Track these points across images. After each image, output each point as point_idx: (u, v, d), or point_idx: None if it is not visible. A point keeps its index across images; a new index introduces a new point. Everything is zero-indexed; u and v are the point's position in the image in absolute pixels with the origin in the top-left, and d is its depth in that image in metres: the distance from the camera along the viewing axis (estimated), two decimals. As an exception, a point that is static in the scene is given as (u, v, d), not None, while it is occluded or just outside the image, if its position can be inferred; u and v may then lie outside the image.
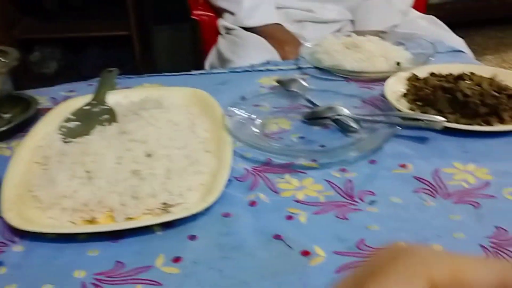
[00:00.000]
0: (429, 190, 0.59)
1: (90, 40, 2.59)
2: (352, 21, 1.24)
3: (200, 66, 2.43)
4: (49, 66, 2.56)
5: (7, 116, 0.80)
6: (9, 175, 0.61)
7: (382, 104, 0.77)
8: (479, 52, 2.97)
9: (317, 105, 0.78)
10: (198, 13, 1.32)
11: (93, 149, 0.64)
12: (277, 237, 0.53)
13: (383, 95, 0.78)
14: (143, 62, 2.58)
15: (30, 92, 0.88)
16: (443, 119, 0.67)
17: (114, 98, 0.82)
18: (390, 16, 1.18)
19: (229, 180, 0.62)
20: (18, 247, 0.53)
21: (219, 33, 1.29)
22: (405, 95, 0.81)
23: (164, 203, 0.58)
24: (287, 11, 1.25)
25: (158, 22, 2.53)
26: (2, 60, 0.77)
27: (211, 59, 1.27)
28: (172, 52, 2.55)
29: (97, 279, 0.49)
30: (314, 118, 0.75)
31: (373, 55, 0.93)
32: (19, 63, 0.78)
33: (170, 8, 2.41)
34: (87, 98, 0.82)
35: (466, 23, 3.20)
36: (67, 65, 2.62)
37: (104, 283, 0.48)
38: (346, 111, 0.73)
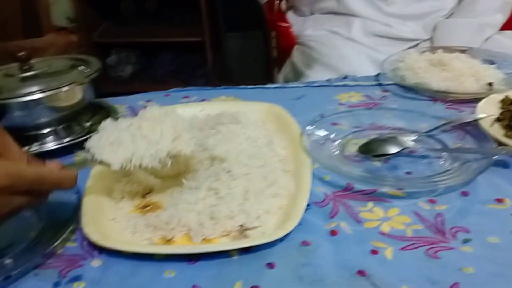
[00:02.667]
0: (531, 231, 0.54)
1: (163, 45, 2.65)
2: (428, 40, 1.18)
3: (271, 74, 2.42)
4: (124, 70, 2.64)
5: (87, 124, 0.81)
6: (90, 187, 0.62)
7: (474, 129, 0.71)
8: None
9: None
10: (274, 23, 1.30)
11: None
12: (361, 273, 0.50)
13: (474, 119, 0.73)
14: (214, 68, 2.61)
15: (109, 101, 0.90)
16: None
17: (190, 111, 0.81)
18: (476, 38, 1.11)
19: (308, 205, 0.59)
20: (97, 262, 0.53)
21: (294, 45, 1.27)
22: (498, 119, 0.75)
23: (241, 225, 0.56)
24: (366, 22, 1.21)
25: (230, 29, 2.55)
26: (84, 69, 0.79)
27: (285, 71, 1.25)
28: (243, 58, 2.56)
29: (173, 304, 0.48)
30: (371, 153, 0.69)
31: (461, 74, 0.87)
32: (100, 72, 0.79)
33: (242, 16, 2.43)
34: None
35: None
36: (141, 69, 2.70)
37: (180, 309, 0.47)
38: (411, 144, 0.68)
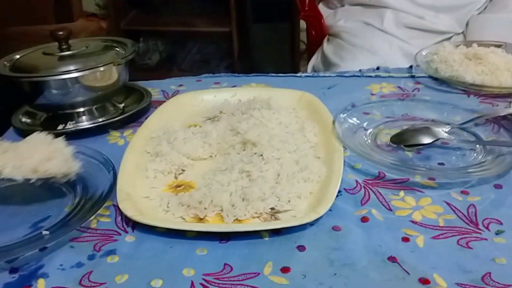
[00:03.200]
0: None
1: (191, 35, 2.66)
2: (461, 34, 1.17)
3: (297, 67, 2.41)
4: (151, 58, 2.67)
5: (121, 105, 0.83)
6: (124, 165, 0.63)
7: (508, 123, 0.70)
8: None
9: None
10: (306, 14, 1.30)
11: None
12: (392, 259, 0.50)
13: (510, 113, 0.72)
14: (240, 59, 2.62)
15: (142, 84, 0.91)
16: None
17: (222, 96, 0.82)
18: (509, 34, 1.09)
19: (339, 191, 0.60)
20: (130, 237, 0.54)
21: (325, 35, 1.27)
22: (534, 115, 0.73)
23: (272, 208, 0.56)
24: (398, 13, 1.20)
25: (258, 20, 2.54)
26: (121, 51, 0.80)
27: (314, 61, 1.25)
28: (269, 50, 2.56)
29: (205, 280, 0.48)
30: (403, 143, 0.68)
31: (497, 68, 0.86)
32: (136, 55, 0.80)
33: (270, 7, 2.42)
34: (198, 94, 0.83)
35: None
36: (168, 57, 2.72)
37: (212, 285, 0.48)
38: (444, 135, 0.68)
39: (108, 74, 0.76)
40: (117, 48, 0.81)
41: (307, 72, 1.28)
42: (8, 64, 0.75)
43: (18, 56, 0.77)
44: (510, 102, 0.76)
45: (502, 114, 0.72)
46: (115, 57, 0.77)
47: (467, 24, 1.21)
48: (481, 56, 0.88)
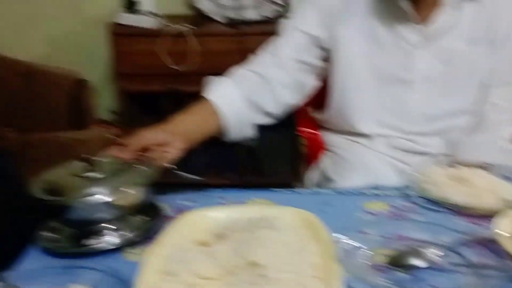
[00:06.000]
0: None
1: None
2: (450, 156, 1.21)
3: (298, 171, 2.46)
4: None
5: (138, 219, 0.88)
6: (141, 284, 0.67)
7: (494, 245, 0.76)
8: None
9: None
10: (304, 130, 1.39)
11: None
12: None
13: (494, 236, 0.78)
14: (245, 162, 2.67)
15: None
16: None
17: (224, 213, 0.87)
18: (493, 153, 1.15)
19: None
20: None
21: (322, 150, 1.33)
22: (517, 236, 0.79)
23: (276, 329, 0.60)
24: (388, 139, 1.25)
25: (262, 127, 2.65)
26: (143, 169, 0.88)
27: (312, 175, 1.32)
28: (273, 154, 2.63)
29: None
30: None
31: (481, 190, 0.93)
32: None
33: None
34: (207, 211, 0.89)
35: None
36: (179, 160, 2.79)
37: None
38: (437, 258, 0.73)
39: (134, 195, 0.83)
40: (141, 167, 0.89)
41: (307, 185, 1.34)
42: (41, 186, 0.81)
43: (47, 177, 0.85)
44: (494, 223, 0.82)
45: (488, 237, 0.78)
46: (141, 177, 0.85)
47: (455, 149, 1.25)
48: (467, 178, 0.95)
